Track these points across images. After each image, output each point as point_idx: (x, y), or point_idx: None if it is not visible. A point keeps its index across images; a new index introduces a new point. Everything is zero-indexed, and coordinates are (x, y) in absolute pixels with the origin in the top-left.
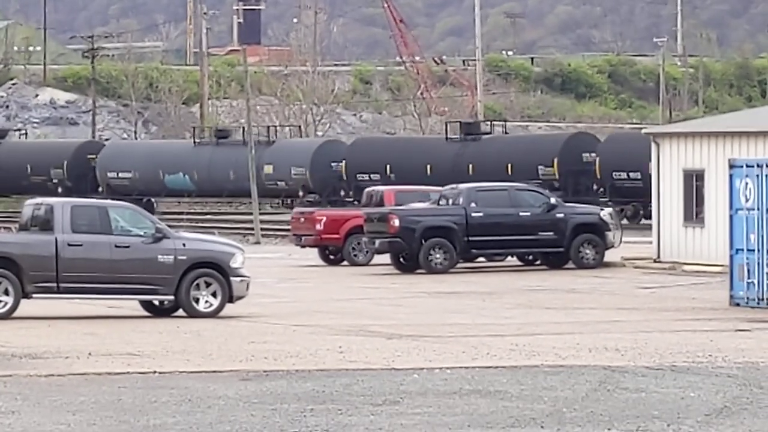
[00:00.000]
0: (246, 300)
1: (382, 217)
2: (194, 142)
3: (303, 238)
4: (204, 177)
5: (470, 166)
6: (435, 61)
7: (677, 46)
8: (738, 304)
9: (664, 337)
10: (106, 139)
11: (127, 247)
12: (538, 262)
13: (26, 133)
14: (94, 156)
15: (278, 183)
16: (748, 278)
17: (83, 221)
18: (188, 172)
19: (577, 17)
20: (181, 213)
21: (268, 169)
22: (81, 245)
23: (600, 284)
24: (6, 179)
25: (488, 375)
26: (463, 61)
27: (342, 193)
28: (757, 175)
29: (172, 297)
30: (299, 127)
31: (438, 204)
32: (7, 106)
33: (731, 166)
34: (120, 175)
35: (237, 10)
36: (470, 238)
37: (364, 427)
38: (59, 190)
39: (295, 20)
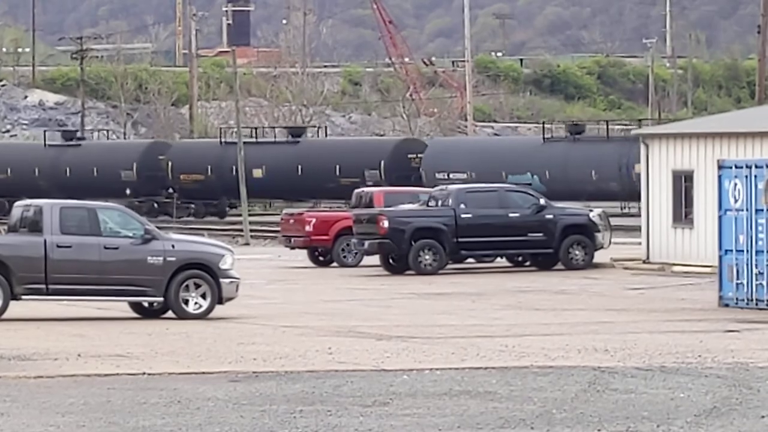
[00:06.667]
0: (235, 301)
1: (371, 218)
2: (543, 138)
3: (292, 239)
4: (558, 177)
5: None
6: (424, 63)
7: (666, 47)
8: (727, 305)
9: (654, 338)
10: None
11: (116, 248)
12: (527, 264)
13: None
14: (415, 156)
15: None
16: (737, 279)
17: (72, 223)
18: (538, 171)
19: (566, 18)
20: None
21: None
22: (70, 247)
23: (589, 285)
24: (309, 181)
25: (478, 376)
26: (453, 62)
27: None
28: (746, 176)
29: (161, 298)
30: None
31: (427, 205)
32: None
33: (720, 167)
34: (451, 176)
35: (226, 11)
36: (459, 240)
37: (354, 429)
38: None
39: (284, 22)
